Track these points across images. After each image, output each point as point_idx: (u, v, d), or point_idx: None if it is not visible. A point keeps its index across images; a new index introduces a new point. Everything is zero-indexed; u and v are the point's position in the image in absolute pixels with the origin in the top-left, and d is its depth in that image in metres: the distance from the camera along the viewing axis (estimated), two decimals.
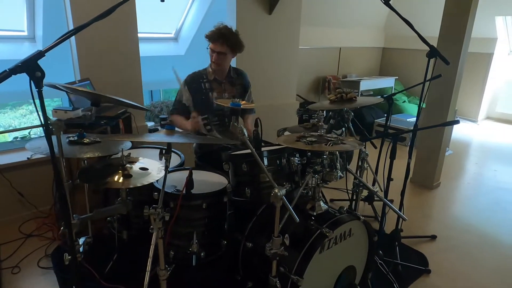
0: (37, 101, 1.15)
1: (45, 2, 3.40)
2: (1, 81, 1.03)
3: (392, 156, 2.01)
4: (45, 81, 1.14)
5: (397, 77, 6.13)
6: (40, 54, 1.11)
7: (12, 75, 1.05)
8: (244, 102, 1.38)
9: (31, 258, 2.21)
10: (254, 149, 1.38)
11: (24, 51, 3.80)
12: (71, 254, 1.31)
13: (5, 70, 1.05)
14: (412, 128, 2.15)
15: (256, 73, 3.50)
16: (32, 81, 1.09)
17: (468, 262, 2.35)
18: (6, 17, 3.56)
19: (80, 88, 1.44)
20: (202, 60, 5.15)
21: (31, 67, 1.08)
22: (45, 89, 1.16)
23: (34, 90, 1.10)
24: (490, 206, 3.17)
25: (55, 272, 2.09)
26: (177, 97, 2.32)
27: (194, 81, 2.27)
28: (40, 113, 1.13)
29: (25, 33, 3.77)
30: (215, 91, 2.30)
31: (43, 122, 1.15)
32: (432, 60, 1.99)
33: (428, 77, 2.09)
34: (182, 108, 2.29)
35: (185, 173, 1.79)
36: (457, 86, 3.22)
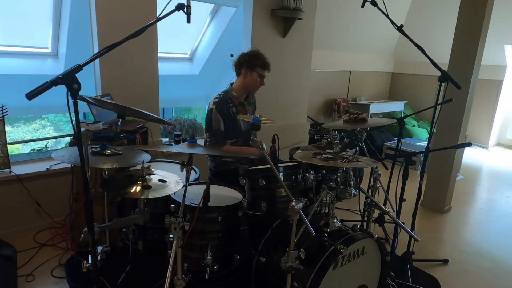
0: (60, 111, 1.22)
1: (71, 21, 3.59)
2: (43, 91, 1.11)
3: (405, 177, 2.04)
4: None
5: (406, 102, 6.20)
6: (78, 68, 1.19)
7: (53, 86, 1.14)
8: (264, 118, 1.44)
9: (45, 267, 2.24)
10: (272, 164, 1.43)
11: (47, 67, 3.97)
12: (92, 258, 1.35)
13: (47, 82, 1.13)
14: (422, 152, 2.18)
15: (269, 94, 3.60)
16: (69, 93, 1.17)
17: (482, 287, 2.32)
18: (32, 34, 3.75)
19: (109, 101, 1.52)
20: (215, 80, 5.30)
21: (70, 79, 1.16)
22: (63, 104, 1.20)
23: (70, 101, 1.18)
24: (504, 231, 3.13)
25: (67, 281, 2.12)
26: (212, 128, 2.30)
27: (224, 107, 2.32)
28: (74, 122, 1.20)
29: (49, 50, 3.95)
30: (240, 114, 2.42)
31: (76, 132, 1.22)
32: (443, 85, 2.04)
33: (439, 101, 2.13)
34: (222, 136, 2.31)
35: (201, 188, 1.84)
36: (468, 111, 3.26)
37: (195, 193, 1.87)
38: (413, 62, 6.36)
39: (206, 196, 1.70)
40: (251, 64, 2.31)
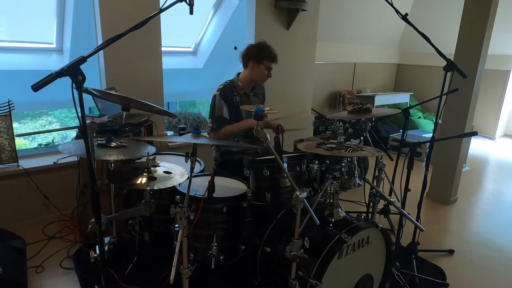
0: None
1: (75, 16, 3.59)
2: (48, 83, 1.12)
3: (410, 167, 2.03)
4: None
5: (412, 93, 6.15)
6: (82, 60, 1.20)
7: (58, 78, 1.15)
8: (267, 108, 1.45)
9: (54, 258, 2.28)
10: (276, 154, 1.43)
11: (52, 63, 3.99)
12: (100, 248, 1.37)
13: (52, 73, 1.15)
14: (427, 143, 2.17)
15: (273, 86, 3.58)
16: (74, 84, 1.18)
17: (487, 277, 2.32)
18: (37, 30, 3.77)
19: (113, 93, 1.54)
20: (219, 74, 5.30)
21: (74, 71, 1.17)
22: (68, 99, 1.19)
23: (75, 93, 1.19)
24: (510, 222, 3.11)
25: (76, 272, 2.15)
26: (215, 113, 2.30)
27: (228, 94, 2.32)
28: (79, 114, 1.22)
29: (54, 46, 3.97)
30: (245, 104, 2.39)
31: (81, 123, 1.23)
32: (449, 74, 2.03)
33: (445, 91, 2.11)
34: (224, 123, 2.31)
35: (206, 179, 1.85)
36: (474, 102, 3.23)
37: (200, 184, 1.89)
38: (418, 53, 6.29)
39: (211, 187, 1.71)
40: (258, 56, 2.30)
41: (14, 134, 2.56)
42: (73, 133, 3.89)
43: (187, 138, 1.55)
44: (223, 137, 2.28)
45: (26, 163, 2.62)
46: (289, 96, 4.00)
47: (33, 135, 5.77)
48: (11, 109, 2.52)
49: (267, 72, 2.35)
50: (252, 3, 3.46)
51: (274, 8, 3.55)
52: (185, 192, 1.52)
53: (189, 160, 1.49)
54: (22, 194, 2.60)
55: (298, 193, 1.34)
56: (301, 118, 4.14)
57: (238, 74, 2.43)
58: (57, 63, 4.01)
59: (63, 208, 2.75)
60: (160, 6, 1.47)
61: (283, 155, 1.72)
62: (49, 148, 3.14)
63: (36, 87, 1.11)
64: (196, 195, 1.73)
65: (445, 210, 3.31)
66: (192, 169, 1.48)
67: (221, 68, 5.11)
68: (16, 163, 2.58)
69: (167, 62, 4.17)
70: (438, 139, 2.13)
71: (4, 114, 2.51)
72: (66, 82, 1.19)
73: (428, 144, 4.32)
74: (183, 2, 1.50)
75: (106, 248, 1.69)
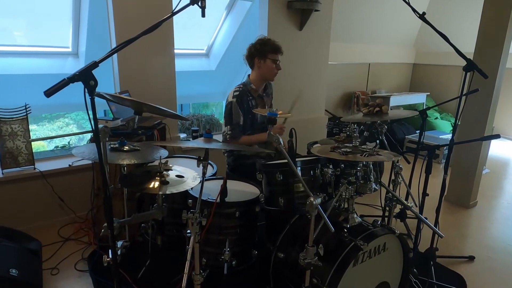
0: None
1: (90, 21, 3.65)
2: (60, 88, 1.12)
3: (428, 171, 1.97)
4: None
5: (428, 93, 6.00)
6: (95, 65, 1.20)
7: (70, 83, 1.15)
8: (281, 111, 1.42)
9: (69, 260, 2.30)
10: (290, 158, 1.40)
11: (68, 66, 4.06)
12: (112, 252, 1.36)
13: (64, 79, 1.14)
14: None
15: (286, 87, 3.55)
16: (86, 89, 1.18)
17: (510, 285, 2.22)
18: (53, 34, 3.85)
19: (125, 97, 1.53)
20: (232, 76, 5.30)
21: (86, 76, 1.16)
22: (83, 102, 1.17)
23: (88, 97, 1.19)
24: None
25: (90, 275, 2.17)
26: (233, 121, 2.27)
27: (244, 101, 2.29)
28: (92, 119, 1.21)
29: (69, 49, 4.04)
30: (259, 107, 2.39)
31: (93, 128, 1.23)
32: (468, 75, 1.95)
33: (465, 92, 2.04)
34: (240, 130, 2.29)
35: (218, 183, 1.83)
36: (495, 102, 3.12)
37: (213, 188, 1.87)
38: (435, 53, 6.14)
39: (223, 191, 1.69)
40: (262, 52, 2.26)
41: (30, 138, 2.60)
42: (89, 135, 3.94)
43: (199, 143, 1.54)
44: (239, 147, 2.27)
45: (42, 166, 2.66)
46: (302, 97, 3.95)
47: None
48: (27, 113, 2.56)
49: (276, 66, 2.30)
50: (265, 5, 3.44)
51: (287, 9, 3.52)
52: (197, 196, 1.50)
53: (201, 164, 1.47)
54: (38, 196, 2.64)
55: (312, 199, 1.31)
56: (315, 121, 4.09)
57: (249, 75, 2.41)
58: (72, 66, 4.07)
59: (78, 210, 2.78)
60: (172, 9, 1.46)
61: (296, 159, 1.68)
62: (65, 151, 3.19)
63: (49, 93, 1.11)
64: (208, 200, 1.71)
65: (465, 214, 3.21)
66: (204, 173, 1.46)
67: (234, 70, 5.10)
68: (33, 166, 2.63)
69: (180, 64, 4.18)
70: (459, 142, 2.06)
71: (21, 117, 2.55)
72: (80, 85, 1.19)
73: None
74: (195, 5, 1.49)
75: (119, 252, 1.69)
